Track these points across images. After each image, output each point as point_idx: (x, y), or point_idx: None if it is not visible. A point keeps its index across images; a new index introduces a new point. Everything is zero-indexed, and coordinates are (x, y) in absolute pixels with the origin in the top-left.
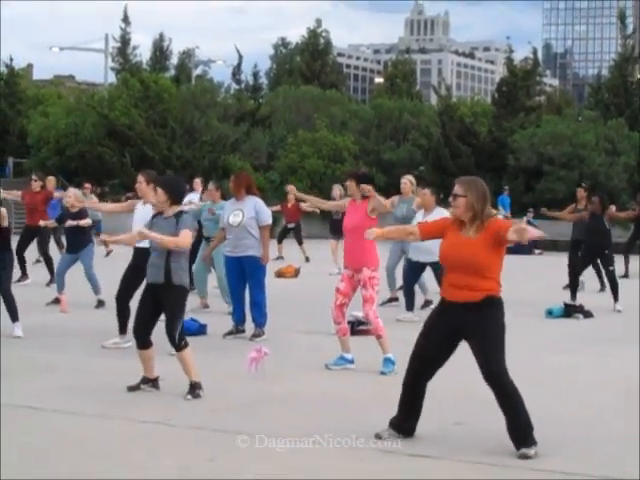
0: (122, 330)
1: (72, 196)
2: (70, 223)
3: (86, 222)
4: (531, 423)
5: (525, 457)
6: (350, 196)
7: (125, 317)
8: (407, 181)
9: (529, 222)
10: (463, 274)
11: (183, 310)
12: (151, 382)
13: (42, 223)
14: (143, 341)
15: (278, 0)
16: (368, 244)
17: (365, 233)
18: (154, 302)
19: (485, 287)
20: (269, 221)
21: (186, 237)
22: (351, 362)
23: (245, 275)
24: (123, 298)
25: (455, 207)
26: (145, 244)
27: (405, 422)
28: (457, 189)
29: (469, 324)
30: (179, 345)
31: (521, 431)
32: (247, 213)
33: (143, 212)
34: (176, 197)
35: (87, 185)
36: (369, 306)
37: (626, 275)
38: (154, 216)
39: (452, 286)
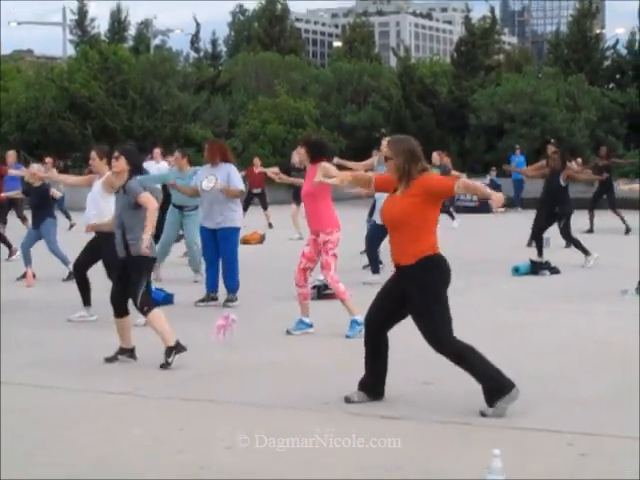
0: (86, 302)
1: (35, 172)
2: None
3: (55, 192)
4: (494, 381)
5: (482, 415)
6: (301, 162)
7: (86, 289)
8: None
9: (492, 180)
10: (397, 235)
11: (142, 278)
12: (128, 352)
13: (2, 195)
14: (119, 309)
15: None
16: (322, 208)
17: (315, 179)
18: (126, 274)
19: (417, 249)
20: (240, 186)
21: (148, 200)
22: (310, 326)
23: (219, 245)
24: (80, 270)
25: (386, 167)
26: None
27: (373, 382)
28: (386, 151)
29: (407, 288)
30: (141, 311)
31: (485, 389)
32: (220, 179)
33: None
34: (137, 169)
35: (48, 159)
36: (326, 272)
37: (591, 230)
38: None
39: (393, 248)
